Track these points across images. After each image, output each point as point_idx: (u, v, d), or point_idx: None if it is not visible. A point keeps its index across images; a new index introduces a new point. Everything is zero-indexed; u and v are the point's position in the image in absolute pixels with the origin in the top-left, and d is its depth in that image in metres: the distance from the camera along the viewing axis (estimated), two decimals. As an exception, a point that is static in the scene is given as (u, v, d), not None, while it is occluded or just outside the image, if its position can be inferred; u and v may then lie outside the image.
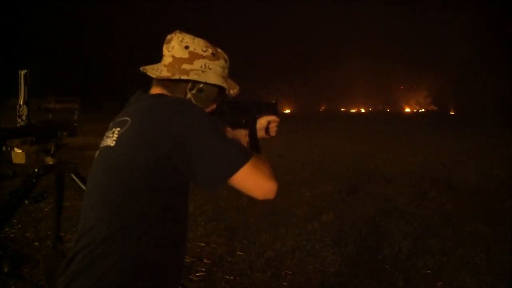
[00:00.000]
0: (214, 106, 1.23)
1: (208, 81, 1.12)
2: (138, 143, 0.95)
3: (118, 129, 1.02)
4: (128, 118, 1.02)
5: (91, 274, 0.92)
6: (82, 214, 1.04)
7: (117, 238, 0.93)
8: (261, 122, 1.35)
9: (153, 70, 1.12)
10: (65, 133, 1.62)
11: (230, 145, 0.98)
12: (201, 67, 1.13)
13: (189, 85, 1.13)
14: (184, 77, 1.09)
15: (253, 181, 0.98)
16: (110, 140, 1.03)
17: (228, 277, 2.72)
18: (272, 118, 1.36)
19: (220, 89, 1.18)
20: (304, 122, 20.03)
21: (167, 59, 1.13)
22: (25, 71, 1.43)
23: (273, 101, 1.42)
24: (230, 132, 1.28)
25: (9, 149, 1.43)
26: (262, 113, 1.35)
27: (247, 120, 1.29)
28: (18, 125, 1.43)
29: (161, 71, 1.11)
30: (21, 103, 1.42)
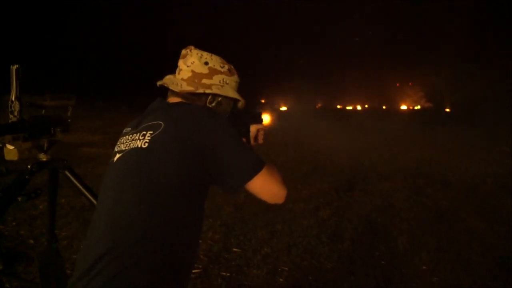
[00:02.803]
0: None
1: (229, 95, 1.22)
2: (174, 145, 1.01)
3: (151, 132, 1.06)
4: (161, 122, 1.07)
5: (124, 277, 0.91)
6: (99, 214, 1.03)
7: (149, 238, 0.94)
8: (252, 130, 1.45)
9: (174, 85, 1.19)
10: (58, 129, 1.60)
11: (249, 152, 1.07)
12: (219, 82, 1.22)
13: (209, 98, 1.21)
14: (208, 91, 1.18)
15: (267, 186, 1.08)
16: (140, 142, 1.06)
17: (224, 273, 2.72)
18: (260, 126, 1.47)
19: (234, 102, 1.29)
20: (300, 119, 20.04)
21: (186, 73, 1.21)
22: (17, 66, 1.41)
23: (259, 111, 1.53)
24: None
25: (1, 145, 1.41)
26: (251, 122, 1.45)
27: (244, 129, 1.39)
28: (10, 121, 1.41)
29: (181, 85, 1.19)
30: (13, 99, 1.40)
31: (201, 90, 1.17)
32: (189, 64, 1.21)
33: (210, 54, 1.23)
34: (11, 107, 1.41)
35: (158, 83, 1.22)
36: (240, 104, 1.31)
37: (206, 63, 1.21)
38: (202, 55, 1.22)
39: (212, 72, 1.21)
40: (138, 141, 1.06)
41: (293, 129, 13.20)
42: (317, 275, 2.77)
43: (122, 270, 0.91)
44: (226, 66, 1.25)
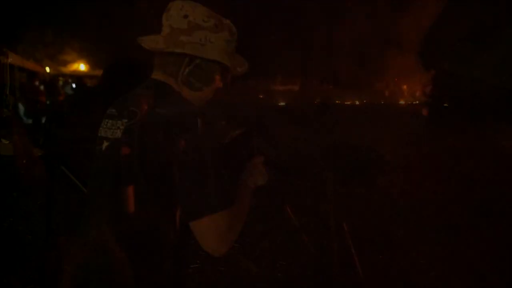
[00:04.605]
0: (220, 84, 1.10)
1: (205, 56, 1.00)
2: (145, 148, 0.91)
3: (125, 120, 0.96)
4: (137, 111, 0.95)
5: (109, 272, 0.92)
6: (88, 202, 1.04)
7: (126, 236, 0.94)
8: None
9: (149, 41, 1.02)
10: (54, 124, 1.59)
11: (212, 187, 0.91)
12: (200, 40, 1.00)
13: (186, 60, 1.01)
14: (178, 50, 0.98)
15: (207, 235, 0.94)
16: (119, 131, 0.96)
17: (222, 268, 2.72)
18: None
19: (223, 67, 1.05)
20: (299, 114, 20.01)
21: (165, 29, 1.02)
22: (11, 59, 1.39)
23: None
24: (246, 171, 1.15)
25: (-5, 140, 1.40)
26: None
27: (246, 153, 1.17)
28: (4, 115, 1.40)
29: (157, 42, 1.01)
30: (7, 93, 1.39)
31: (170, 49, 0.98)
32: (168, 18, 1.01)
33: (194, 5, 1.01)
34: (5, 101, 1.40)
35: (138, 39, 1.05)
36: (236, 68, 1.09)
37: (186, 16, 0.99)
38: (183, 6, 1.00)
39: (192, 27, 0.99)
40: (118, 130, 0.97)
41: (292, 124, 13.17)
42: (315, 269, 2.77)
43: (106, 266, 0.93)
44: (213, 21, 1.01)
